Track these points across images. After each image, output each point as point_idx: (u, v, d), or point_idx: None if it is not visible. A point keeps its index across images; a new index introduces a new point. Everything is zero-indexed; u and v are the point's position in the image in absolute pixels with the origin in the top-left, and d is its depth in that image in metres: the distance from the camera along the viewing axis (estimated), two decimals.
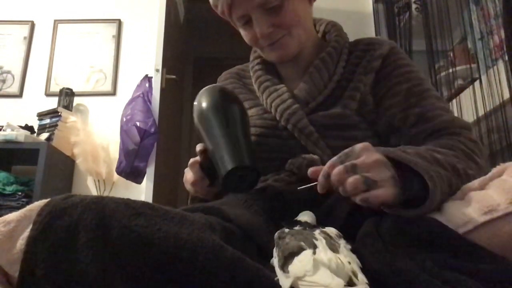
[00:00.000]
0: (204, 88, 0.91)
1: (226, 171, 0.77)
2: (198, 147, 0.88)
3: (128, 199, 0.58)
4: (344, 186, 0.61)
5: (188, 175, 0.91)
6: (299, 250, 0.49)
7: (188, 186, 0.93)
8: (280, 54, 0.94)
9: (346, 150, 0.65)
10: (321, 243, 0.51)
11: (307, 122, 0.88)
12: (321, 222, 0.65)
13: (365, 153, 0.63)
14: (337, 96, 0.92)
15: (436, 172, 0.64)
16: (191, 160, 0.89)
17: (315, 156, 0.85)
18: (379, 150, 0.65)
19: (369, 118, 0.91)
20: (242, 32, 0.97)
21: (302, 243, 0.50)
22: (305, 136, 0.87)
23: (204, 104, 0.86)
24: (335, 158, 0.65)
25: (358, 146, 0.65)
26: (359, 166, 0.61)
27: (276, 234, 0.57)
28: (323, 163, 0.83)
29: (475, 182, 0.64)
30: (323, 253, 0.48)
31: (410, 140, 0.86)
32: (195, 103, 0.89)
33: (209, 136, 0.83)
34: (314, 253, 0.48)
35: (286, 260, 0.49)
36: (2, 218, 0.55)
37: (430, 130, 0.84)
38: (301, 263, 0.47)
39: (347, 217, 0.73)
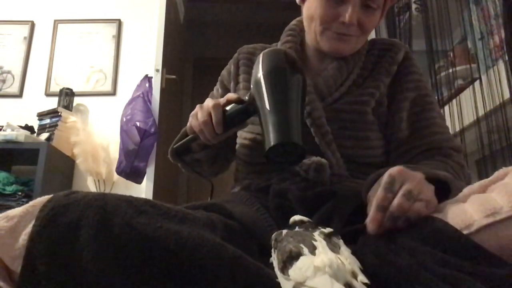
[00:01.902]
0: (281, 49, 0.88)
1: (278, 142, 0.71)
2: (233, 95, 0.85)
3: (130, 196, 0.58)
4: (406, 216, 0.60)
5: (202, 113, 0.85)
6: (297, 254, 0.49)
7: (194, 122, 0.87)
8: (339, 48, 0.92)
9: (385, 179, 0.63)
10: (320, 244, 0.50)
11: (325, 121, 0.87)
12: (322, 223, 0.65)
13: (407, 176, 0.63)
14: (352, 93, 0.92)
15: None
16: (214, 101, 0.84)
17: (323, 160, 0.83)
18: (413, 169, 0.67)
19: (382, 119, 0.92)
20: (322, 3, 0.89)
21: (301, 245, 0.50)
22: (321, 135, 0.86)
23: (283, 62, 0.80)
24: (381, 191, 0.62)
25: (394, 171, 0.64)
26: (413, 190, 0.61)
27: (273, 236, 0.57)
28: (331, 167, 0.84)
29: (476, 185, 0.64)
30: (323, 254, 0.48)
31: (403, 154, 0.89)
32: (270, 55, 0.83)
33: (278, 96, 0.77)
34: (314, 254, 0.48)
35: (285, 263, 0.49)
36: (5, 213, 0.55)
37: (424, 147, 0.87)
38: (301, 270, 0.47)
39: (348, 220, 0.73)
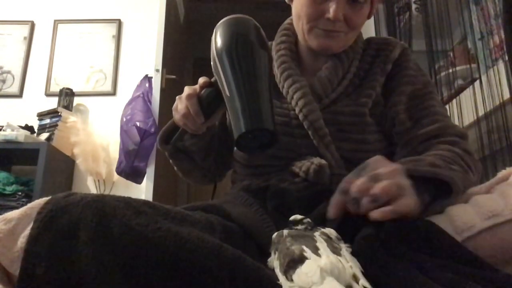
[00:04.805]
0: (240, 17, 0.78)
1: (248, 129, 0.68)
2: (202, 80, 0.83)
3: (129, 198, 0.58)
4: (370, 194, 0.58)
5: (181, 105, 0.84)
6: (301, 258, 0.48)
7: (176, 116, 0.87)
8: (328, 45, 0.91)
9: (360, 166, 0.64)
10: (322, 245, 0.49)
11: (323, 124, 0.86)
12: (317, 223, 0.64)
13: (381, 164, 0.63)
14: (349, 94, 0.91)
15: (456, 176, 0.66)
16: (189, 90, 0.83)
17: (323, 161, 0.83)
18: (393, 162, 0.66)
19: (379, 119, 0.91)
20: (307, 1, 0.88)
21: (303, 247, 0.49)
22: (319, 137, 0.85)
23: (250, 34, 0.74)
24: (349, 175, 0.63)
25: (372, 159, 0.65)
26: (382, 174, 0.60)
27: (274, 235, 0.56)
28: (331, 169, 0.83)
29: (483, 186, 0.64)
30: (325, 256, 0.47)
31: (406, 144, 0.87)
32: (224, 26, 0.76)
33: (236, 79, 0.71)
34: (317, 255, 0.47)
35: (288, 267, 0.48)
36: (3, 216, 0.55)
37: (427, 135, 0.85)
38: (307, 275, 0.46)
39: (343, 219, 0.72)
